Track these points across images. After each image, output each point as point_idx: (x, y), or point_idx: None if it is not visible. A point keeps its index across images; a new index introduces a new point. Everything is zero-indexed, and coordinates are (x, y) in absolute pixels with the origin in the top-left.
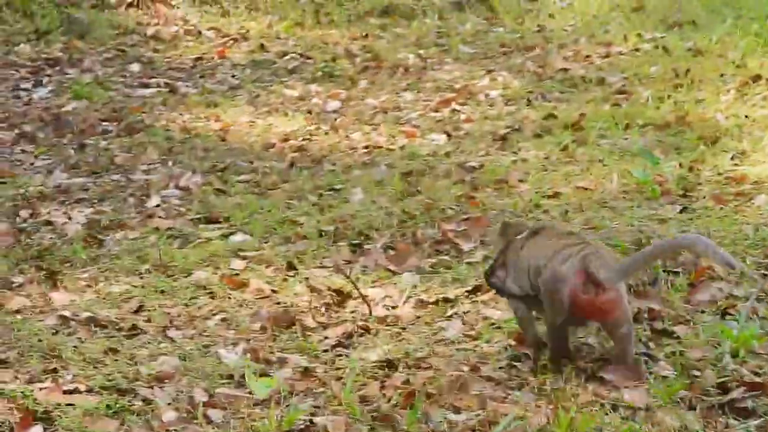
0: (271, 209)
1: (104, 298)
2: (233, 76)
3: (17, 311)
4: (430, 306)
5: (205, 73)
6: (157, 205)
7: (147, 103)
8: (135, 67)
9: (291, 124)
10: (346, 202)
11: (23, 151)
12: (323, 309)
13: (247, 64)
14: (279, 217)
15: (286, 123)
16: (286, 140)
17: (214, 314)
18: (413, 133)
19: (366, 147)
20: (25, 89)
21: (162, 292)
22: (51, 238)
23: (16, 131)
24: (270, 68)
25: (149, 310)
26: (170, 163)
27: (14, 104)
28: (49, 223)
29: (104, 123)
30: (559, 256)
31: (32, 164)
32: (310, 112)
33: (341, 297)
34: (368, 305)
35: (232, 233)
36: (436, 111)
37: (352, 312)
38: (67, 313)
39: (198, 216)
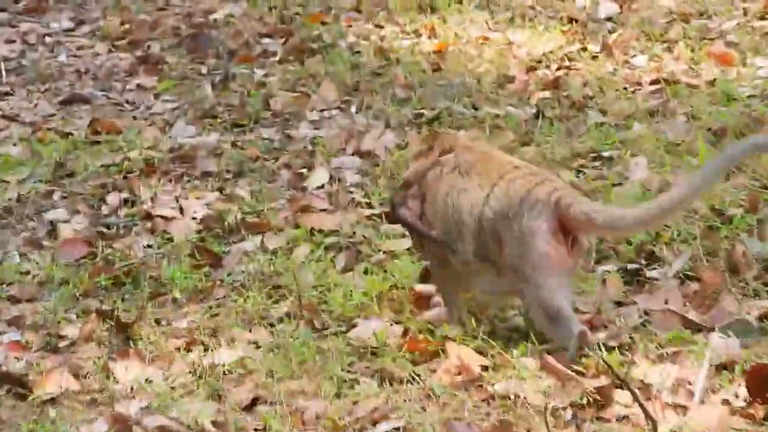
0: None
1: (201, 378)
2: None
3: (50, 400)
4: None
5: None
6: (321, 186)
7: (332, 7)
8: None
9: (541, 41)
10: (620, 184)
11: (140, 87)
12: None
13: None
14: None
15: (534, 40)
16: (532, 70)
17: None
18: (728, 57)
19: (655, 81)
20: None
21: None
22: (145, 247)
23: (139, 51)
24: None
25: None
26: (353, 109)
27: (142, 6)
28: (148, 216)
29: (265, 40)
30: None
31: (149, 108)
32: (572, 20)
33: (602, 396)
34: (651, 421)
35: None
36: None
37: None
38: (130, 412)
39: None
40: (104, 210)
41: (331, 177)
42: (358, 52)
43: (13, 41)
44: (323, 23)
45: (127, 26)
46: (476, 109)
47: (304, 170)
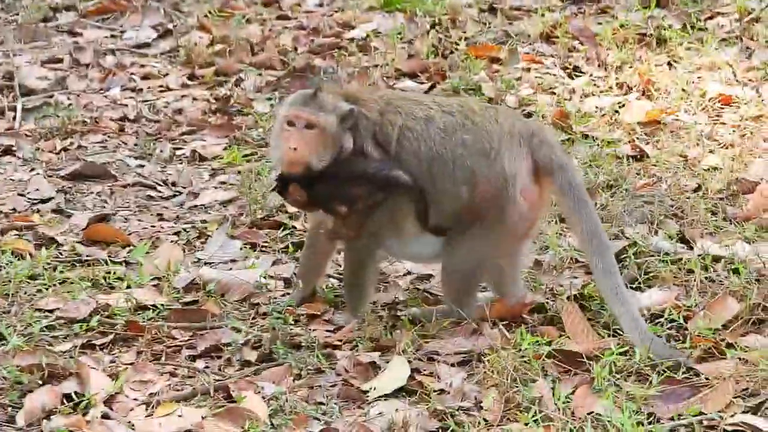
0: None
1: None
2: None
3: None
4: None
5: None
6: None
7: (511, 36)
8: None
9: None
10: None
11: (195, 156)
12: None
13: None
14: None
15: None
16: None
17: None
18: None
19: None
20: None
21: None
22: None
23: (221, 89)
24: None
25: None
26: None
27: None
28: None
29: (405, 81)
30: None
31: (193, 197)
32: None
33: None
34: None
35: None
36: None
37: None
38: None
39: None
40: None
41: None
42: (528, 112)
43: (59, 60)
44: (493, 60)
45: (219, 47)
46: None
47: None
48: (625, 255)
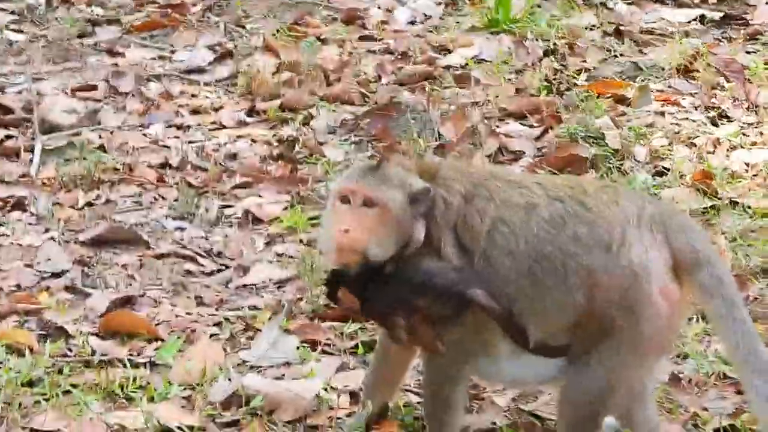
0: None
1: None
2: None
3: None
4: None
5: None
6: None
7: (641, 69)
8: None
9: None
10: None
11: (249, 219)
12: None
13: None
14: None
15: None
16: None
17: None
18: None
19: None
20: None
21: None
22: None
23: (286, 129)
24: None
25: None
26: None
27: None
28: None
29: (511, 125)
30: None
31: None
32: None
33: None
34: None
35: None
36: None
37: None
38: None
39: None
40: None
41: None
42: (661, 169)
43: (92, 88)
44: (619, 99)
45: (286, 75)
46: None
47: None
48: None
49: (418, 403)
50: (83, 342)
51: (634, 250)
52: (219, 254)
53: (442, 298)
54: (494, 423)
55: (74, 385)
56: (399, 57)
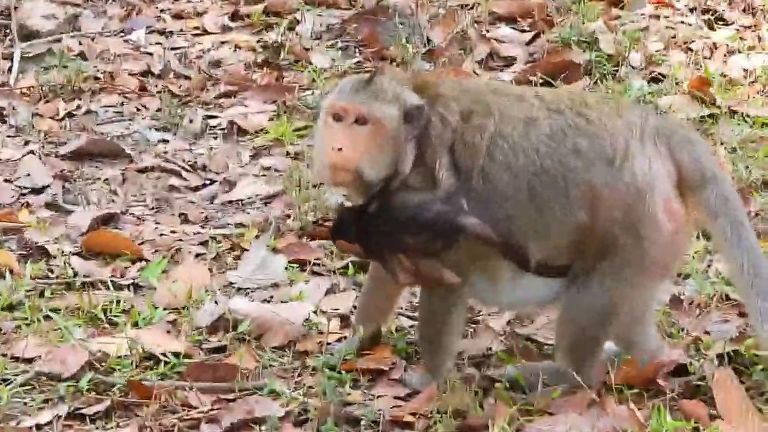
0: None
1: None
2: None
3: None
4: None
5: None
6: None
7: None
8: None
9: None
10: None
11: None
12: None
13: None
14: None
15: None
16: None
17: None
18: None
19: None
20: None
21: None
22: None
23: None
24: None
25: None
26: None
27: None
28: None
29: None
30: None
31: None
32: None
33: None
34: None
35: None
36: None
37: None
38: None
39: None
40: None
41: None
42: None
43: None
44: (613, 2)
45: None
46: None
47: None
48: None
49: (411, 327)
50: (65, 263)
51: (638, 163)
52: (204, 168)
53: (433, 232)
54: (490, 348)
55: (55, 310)
56: None
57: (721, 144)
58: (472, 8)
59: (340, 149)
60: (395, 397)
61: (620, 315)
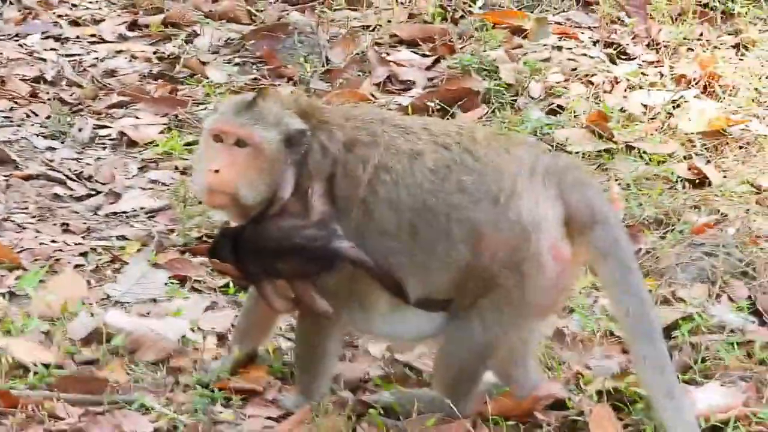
0: None
1: None
2: None
3: None
4: None
5: None
6: None
7: None
8: None
9: None
10: None
11: None
12: None
13: None
14: None
15: None
16: None
17: None
18: None
19: None
20: None
21: None
22: None
23: None
24: None
25: None
26: None
27: None
28: None
29: None
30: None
31: None
32: None
33: None
34: None
35: None
36: None
37: None
38: None
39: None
40: None
41: None
42: (556, 107)
43: None
44: (516, 30)
45: None
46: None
47: None
48: (676, 330)
49: (288, 348)
50: None
51: (524, 203)
52: (89, 178)
53: (305, 256)
54: (367, 373)
55: None
56: None
57: (616, 180)
58: (373, 30)
59: (217, 171)
60: (267, 418)
61: (499, 351)
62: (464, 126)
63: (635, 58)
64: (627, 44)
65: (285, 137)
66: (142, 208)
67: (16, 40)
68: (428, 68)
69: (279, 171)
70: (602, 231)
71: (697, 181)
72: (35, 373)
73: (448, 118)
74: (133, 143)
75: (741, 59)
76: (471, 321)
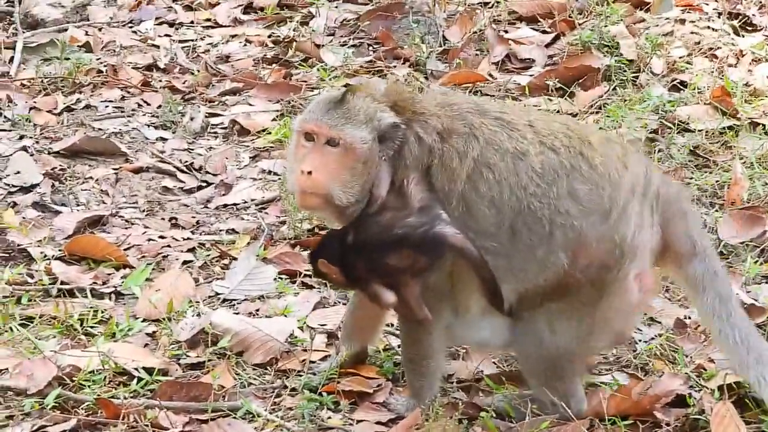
0: None
1: None
2: None
3: None
4: None
5: None
6: None
7: None
8: None
9: None
10: None
11: None
12: None
13: None
14: None
15: None
16: None
17: None
18: None
19: None
20: None
21: None
22: None
23: None
24: None
25: None
26: None
27: None
28: None
29: None
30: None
31: None
32: None
33: None
34: None
35: None
36: None
37: None
38: None
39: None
40: None
41: None
42: (679, 82)
43: None
44: (638, 3)
45: None
46: None
47: None
48: None
49: (399, 346)
50: (46, 269)
51: (631, 227)
52: (200, 169)
53: (412, 246)
54: (481, 372)
55: (30, 318)
56: None
57: (740, 158)
58: (491, 7)
59: (309, 172)
60: (376, 422)
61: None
62: (572, 126)
63: (761, 29)
64: (753, 15)
65: (378, 134)
66: (252, 200)
67: (130, 27)
68: (548, 45)
69: (373, 168)
70: (701, 264)
71: None
72: (139, 380)
73: (566, 98)
74: (245, 131)
75: None
76: (537, 323)
